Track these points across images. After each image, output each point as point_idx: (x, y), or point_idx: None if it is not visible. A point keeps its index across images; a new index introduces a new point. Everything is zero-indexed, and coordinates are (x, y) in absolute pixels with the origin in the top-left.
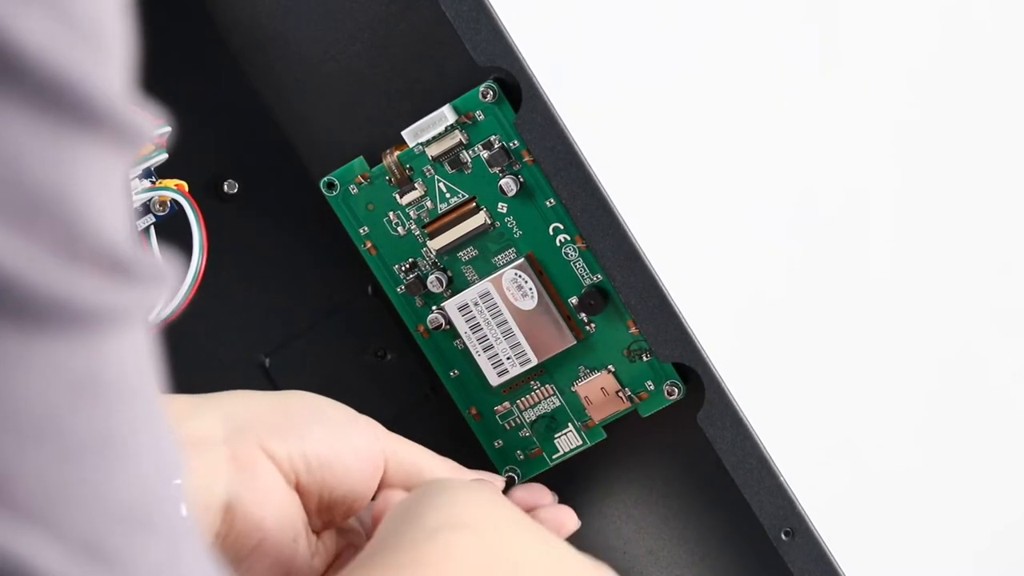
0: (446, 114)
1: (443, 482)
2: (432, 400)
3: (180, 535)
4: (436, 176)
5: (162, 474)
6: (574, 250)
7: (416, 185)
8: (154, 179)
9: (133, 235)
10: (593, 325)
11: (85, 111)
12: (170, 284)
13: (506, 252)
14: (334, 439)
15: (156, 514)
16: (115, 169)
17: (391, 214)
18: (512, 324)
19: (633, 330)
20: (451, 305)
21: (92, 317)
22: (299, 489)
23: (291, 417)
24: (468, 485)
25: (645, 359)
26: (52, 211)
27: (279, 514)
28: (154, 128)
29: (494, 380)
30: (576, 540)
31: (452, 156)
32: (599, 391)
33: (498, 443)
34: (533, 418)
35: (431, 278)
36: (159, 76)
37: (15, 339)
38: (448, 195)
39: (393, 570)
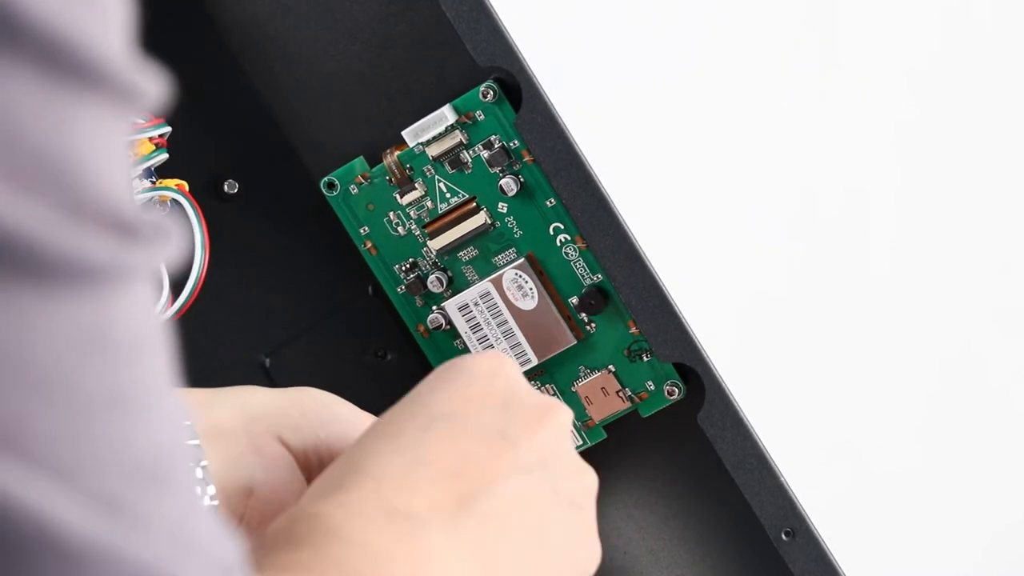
0: (446, 114)
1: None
2: None
3: (193, 492)
4: (436, 176)
5: (174, 431)
6: (574, 250)
7: (416, 185)
8: (154, 179)
9: (135, 195)
10: (593, 325)
11: (86, 72)
12: (175, 243)
13: (506, 252)
14: (345, 435)
15: (169, 470)
16: (117, 129)
17: (391, 214)
18: (512, 324)
19: (633, 330)
20: (451, 305)
21: (101, 274)
22: (310, 479)
23: (304, 411)
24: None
25: (645, 359)
26: (56, 171)
27: (294, 500)
28: (155, 88)
29: None
30: None
31: (452, 156)
32: (599, 391)
33: None
34: None
35: (431, 278)
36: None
37: (27, 296)
38: (448, 195)
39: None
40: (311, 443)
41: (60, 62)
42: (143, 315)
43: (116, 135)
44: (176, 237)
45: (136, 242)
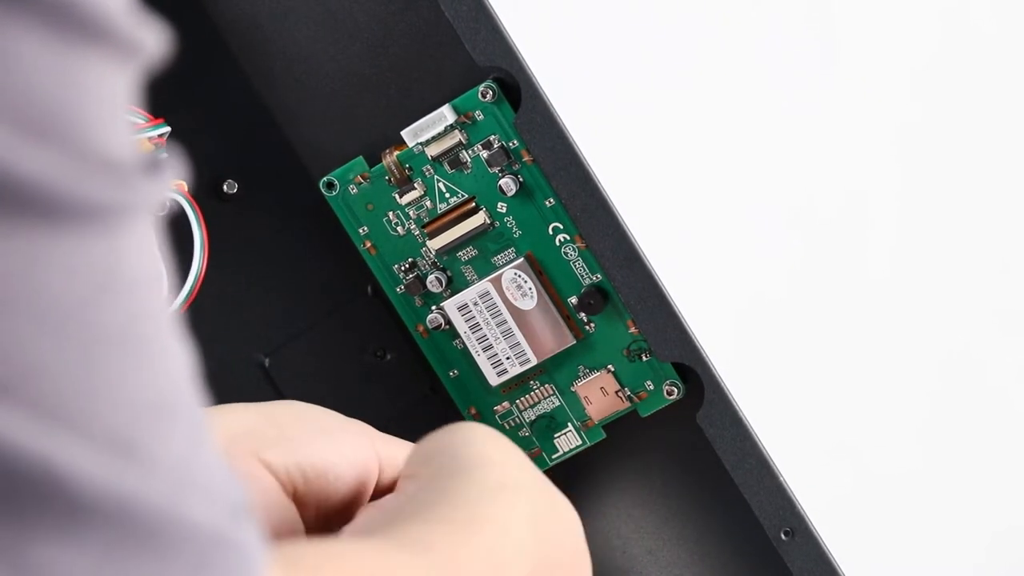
0: (445, 114)
1: (474, 429)
2: (432, 400)
3: (200, 430)
4: (435, 176)
5: (181, 369)
6: (573, 250)
7: (415, 185)
8: None
9: (136, 144)
10: (593, 325)
11: (90, 27)
12: (171, 180)
13: (505, 252)
14: (327, 448)
15: (177, 407)
16: (118, 81)
17: (391, 214)
18: (512, 324)
19: (633, 330)
20: (450, 305)
21: (108, 212)
22: (296, 500)
23: (283, 428)
24: (498, 435)
25: (645, 359)
26: (63, 120)
27: (280, 525)
28: (155, 42)
29: (494, 380)
30: None
31: (452, 156)
32: (599, 391)
33: None
34: (533, 418)
35: (431, 278)
36: (158, 75)
37: (41, 238)
38: (447, 195)
39: (457, 525)
40: (292, 461)
41: (65, 19)
42: (147, 253)
43: (118, 86)
44: (172, 174)
45: (138, 181)
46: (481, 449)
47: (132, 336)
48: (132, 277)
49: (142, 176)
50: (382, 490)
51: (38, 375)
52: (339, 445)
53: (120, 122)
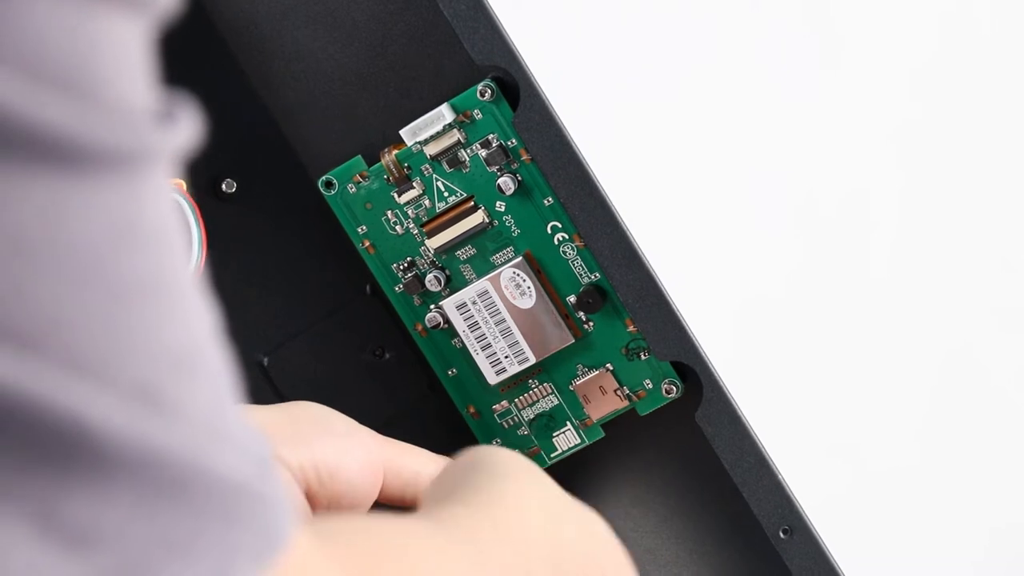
0: (444, 113)
1: (493, 448)
2: (430, 399)
3: (223, 381)
4: (434, 175)
5: (202, 320)
6: (572, 249)
7: (414, 184)
8: None
9: (152, 94)
10: (591, 324)
11: None
12: (189, 128)
13: (504, 251)
14: (340, 449)
15: (200, 358)
16: (133, 34)
17: (389, 213)
18: (510, 323)
19: (631, 329)
20: (449, 304)
21: (125, 160)
22: (308, 497)
23: (298, 427)
24: (521, 460)
25: (643, 358)
26: (78, 71)
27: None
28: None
29: (492, 379)
30: None
31: (450, 155)
32: (597, 390)
33: (496, 442)
34: (531, 417)
35: (429, 277)
36: (157, 75)
37: (63, 185)
38: (446, 194)
39: (471, 507)
40: (306, 458)
41: None
42: (165, 203)
43: (132, 38)
44: (188, 125)
45: (155, 129)
46: (493, 455)
47: (155, 286)
48: (153, 227)
49: (159, 125)
50: (388, 497)
51: (64, 326)
52: (350, 448)
53: (135, 72)
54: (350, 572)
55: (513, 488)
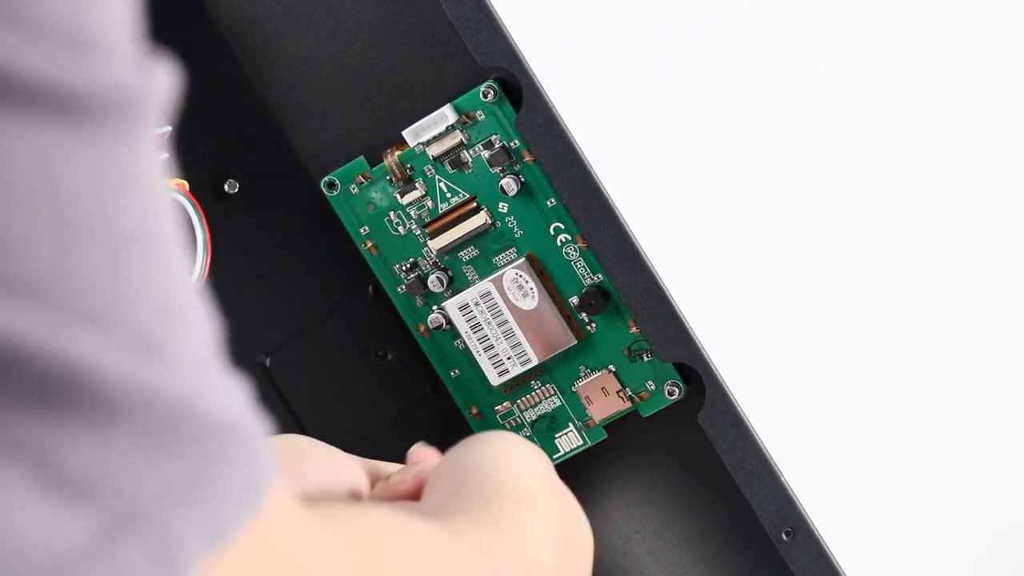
0: (447, 114)
1: (496, 442)
2: (433, 400)
3: (209, 331)
4: (437, 176)
5: (189, 267)
6: (575, 250)
7: (417, 185)
8: None
9: (136, 45)
10: (594, 325)
11: None
12: (169, 77)
13: (507, 252)
14: (329, 477)
15: (189, 307)
16: None
17: (392, 214)
18: (513, 324)
19: (634, 330)
20: (452, 305)
21: (120, 109)
22: None
23: (288, 456)
24: (520, 445)
25: (646, 359)
26: (72, 26)
27: None
28: None
29: (495, 380)
30: None
31: (453, 156)
32: (600, 391)
33: None
34: (534, 418)
35: (432, 278)
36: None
37: (51, 135)
38: (449, 195)
39: (484, 524)
40: (298, 487)
41: None
42: (155, 152)
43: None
44: (165, 74)
45: (142, 77)
46: (502, 463)
47: (148, 235)
48: (144, 177)
49: (145, 75)
50: None
51: (64, 274)
52: (339, 474)
53: (123, 23)
54: (358, 552)
55: (521, 516)
